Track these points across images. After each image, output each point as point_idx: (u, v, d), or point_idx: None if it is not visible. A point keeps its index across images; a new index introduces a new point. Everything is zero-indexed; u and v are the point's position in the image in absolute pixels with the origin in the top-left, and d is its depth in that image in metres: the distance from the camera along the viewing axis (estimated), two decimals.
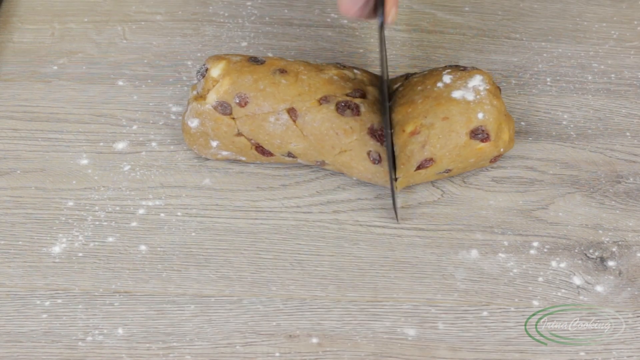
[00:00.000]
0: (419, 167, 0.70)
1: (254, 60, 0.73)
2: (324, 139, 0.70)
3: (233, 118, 0.71)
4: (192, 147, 0.74)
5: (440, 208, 0.73)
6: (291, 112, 0.71)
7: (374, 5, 0.68)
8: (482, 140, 0.70)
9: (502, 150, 0.72)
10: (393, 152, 0.70)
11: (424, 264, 0.70)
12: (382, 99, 0.71)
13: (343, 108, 0.70)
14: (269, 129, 0.71)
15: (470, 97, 0.70)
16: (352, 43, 0.84)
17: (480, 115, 0.70)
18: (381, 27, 0.68)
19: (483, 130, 0.70)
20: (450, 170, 0.72)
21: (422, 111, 0.70)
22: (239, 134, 0.72)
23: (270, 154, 0.73)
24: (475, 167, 0.73)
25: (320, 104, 0.71)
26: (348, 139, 0.70)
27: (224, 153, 0.74)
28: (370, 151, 0.70)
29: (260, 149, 0.72)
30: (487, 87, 0.71)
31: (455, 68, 0.73)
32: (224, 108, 0.71)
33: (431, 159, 0.70)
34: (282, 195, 0.73)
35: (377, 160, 0.70)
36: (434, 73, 0.73)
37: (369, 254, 0.70)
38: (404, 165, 0.70)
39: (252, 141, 0.72)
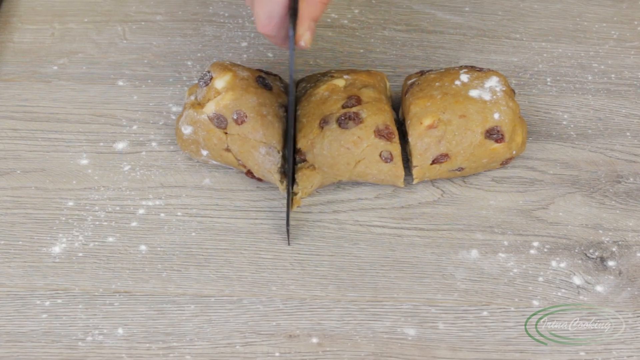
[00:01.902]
0: (433, 162, 0.70)
1: (262, 82, 0.72)
2: (337, 160, 0.70)
3: (226, 133, 0.70)
4: (184, 151, 0.74)
5: (440, 208, 0.73)
6: (299, 153, 0.71)
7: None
8: (496, 141, 0.70)
9: (514, 152, 0.72)
10: (294, 168, 0.70)
11: (424, 264, 0.69)
12: (288, 127, 0.70)
13: (344, 121, 0.70)
14: (258, 159, 0.70)
15: (487, 97, 0.71)
16: (352, 43, 0.84)
17: (496, 116, 0.70)
18: (292, 46, 0.65)
19: (498, 131, 0.70)
20: (462, 169, 0.72)
21: (440, 106, 0.70)
22: (228, 149, 0.71)
23: (260, 180, 0.72)
24: (487, 168, 0.73)
25: (322, 128, 0.70)
26: (359, 149, 0.70)
27: (214, 162, 0.73)
28: (381, 152, 0.70)
29: (251, 174, 0.72)
30: (503, 89, 0.72)
31: (471, 68, 0.74)
32: (219, 121, 0.70)
33: (446, 155, 0.70)
34: (282, 195, 0.73)
35: (389, 159, 0.70)
36: (451, 72, 0.74)
37: (369, 254, 0.70)
38: (420, 156, 0.70)
39: (240, 162, 0.71)
